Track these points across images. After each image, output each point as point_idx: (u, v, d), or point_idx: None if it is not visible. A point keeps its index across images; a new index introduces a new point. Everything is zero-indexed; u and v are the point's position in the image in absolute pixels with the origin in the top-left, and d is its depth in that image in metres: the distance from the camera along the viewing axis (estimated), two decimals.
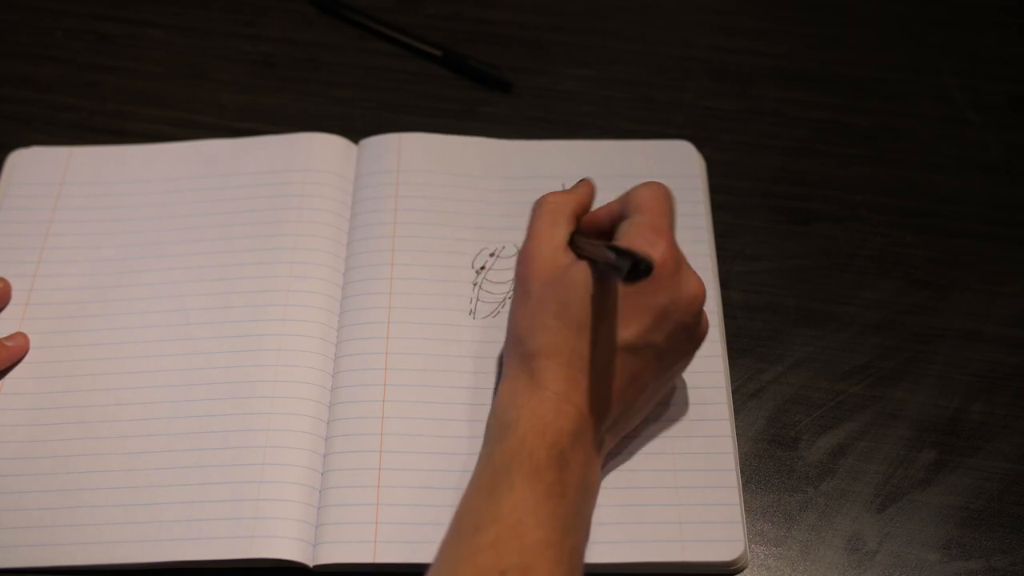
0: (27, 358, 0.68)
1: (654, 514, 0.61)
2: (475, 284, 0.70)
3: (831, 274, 0.72)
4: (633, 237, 0.58)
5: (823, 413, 0.67)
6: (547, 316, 0.58)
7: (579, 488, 0.56)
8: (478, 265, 0.71)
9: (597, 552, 0.60)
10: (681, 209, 0.73)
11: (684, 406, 0.65)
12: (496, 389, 0.61)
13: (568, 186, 0.74)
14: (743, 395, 0.67)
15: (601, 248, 0.56)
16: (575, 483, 0.55)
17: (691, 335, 0.60)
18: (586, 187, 0.63)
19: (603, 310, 0.57)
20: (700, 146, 0.76)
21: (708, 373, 0.66)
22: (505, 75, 0.82)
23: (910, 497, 0.64)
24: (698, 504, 0.62)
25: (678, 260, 0.58)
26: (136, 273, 0.71)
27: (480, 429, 0.64)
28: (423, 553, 0.60)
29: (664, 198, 0.60)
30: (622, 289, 0.57)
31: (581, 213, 0.62)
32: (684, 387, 0.66)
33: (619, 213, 0.61)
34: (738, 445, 0.65)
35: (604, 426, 0.58)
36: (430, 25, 0.85)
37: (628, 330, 0.57)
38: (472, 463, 0.61)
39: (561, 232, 0.60)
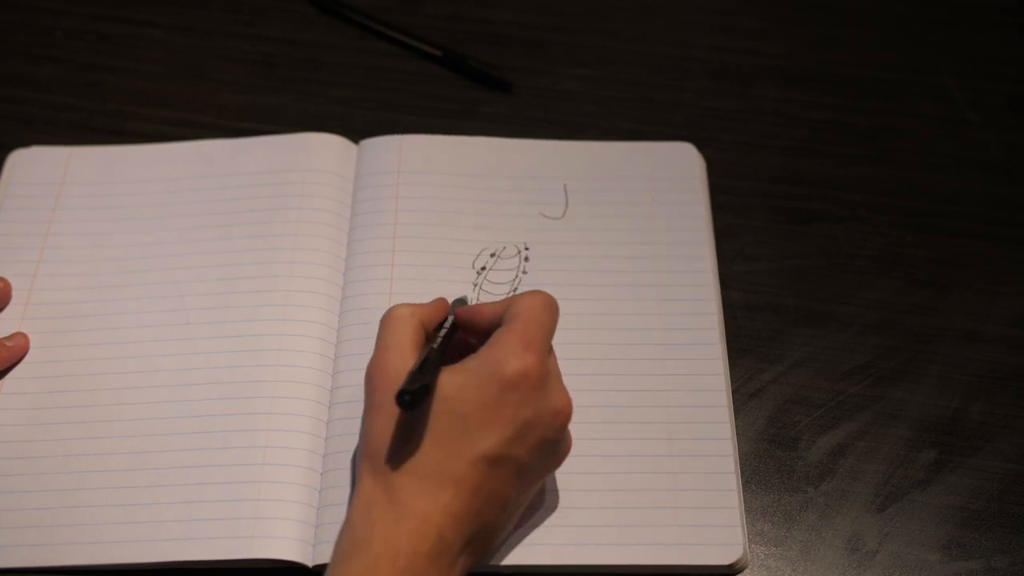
0: (27, 358, 0.68)
1: (652, 516, 0.61)
2: (476, 285, 0.70)
3: (831, 274, 0.72)
4: (500, 345, 0.56)
5: (823, 413, 0.67)
6: (400, 428, 0.55)
7: None
8: (479, 265, 0.71)
9: (595, 554, 0.60)
10: (681, 210, 0.73)
11: (683, 407, 0.65)
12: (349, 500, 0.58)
13: (569, 187, 0.74)
14: (743, 395, 0.67)
15: (422, 358, 0.55)
16: None
17: (554, 450, 0.58)
18: (439, 302, 0.62)
19: (461, 422, 0.55)
20: (700, 146, 0.76)
21: (708, 374, 0.66)
22: (505, 75, 0.82)
23: (910, 497, 0.64)
24: (697, 507, 0.61)
25: (545, 374, 0.56)
26: (136, 273, 0.71)
27: None
28: None
29: (544, 309, 0.58)
30: (482, 399, 0.54)
31: (428, 323, 0.60)
32: (684, 387, 0.65)
33: (498, 317, 0.59)
34: (738, 445, 0.65)
35: (461, 545, 0.55)
36: (430, 25, 0.85)
37: (488, 441, 0.54)
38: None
39: (409, 341, 0.58)
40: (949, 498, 0.64)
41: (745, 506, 0.63)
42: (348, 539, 0.54)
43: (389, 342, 0.58)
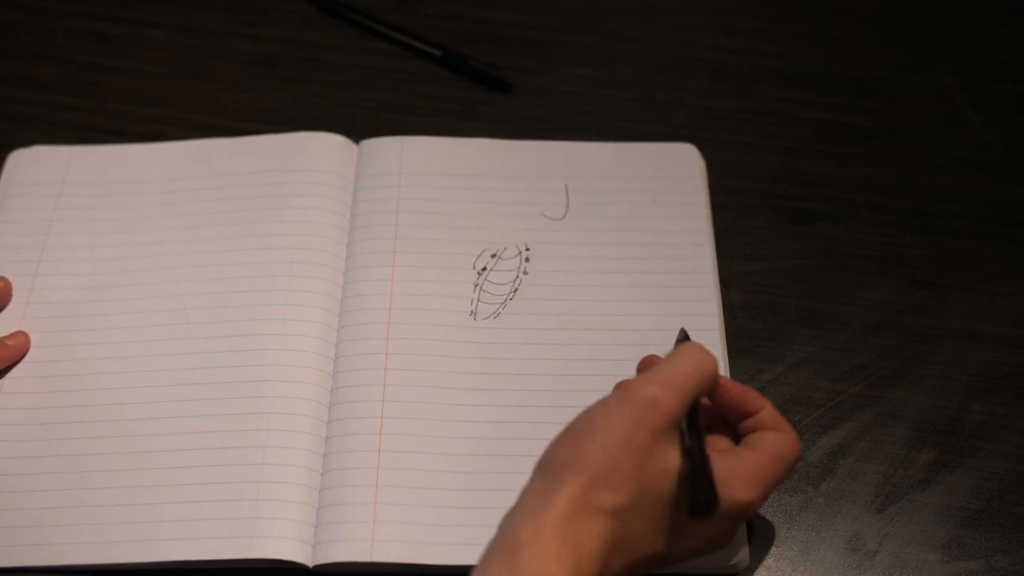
0: (27, 357, 0.68)
1: None
2: (476, 285, 0.70)
3: (831, 274, 0.72)
4: (744, 468, 0.55)
5: (823, 413, 0.67)
6: (638, 488, 0.51)
7: None
8: (479, 266, 0.71)
9: None
10: (681, 210, 0.73)
11: None
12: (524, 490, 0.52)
13: (570, 188, 0.74)
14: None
15: (685, 454, 0.53)
16: None
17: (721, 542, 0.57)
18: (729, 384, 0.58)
19: (676, 516, 0.53)
20: (700, 146, 0.76)
21: None
22: (505, 75, 0.82)
23: (910, 497, 0.64)
24: None
25: (751, 512, 0.56)
26: (136, 272, 0.71)
27: (480, 429, 0.64)
28: (422, 552, 0.60)
29: (797, 445, 0.57)
30: (684, 509, 0.52)
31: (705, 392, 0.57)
32: None
33: (754, 410, 0.58)
34: None
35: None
36: (430, 25, 0.85)
37: (686, 545, 0.54)
38: (470, 463, 0.61)
39: (689, 405, 0.54)
40: (949, 498, 0.64)
41: None
42: (513, 539, 0.50)
43: (680, 378, 0.54)
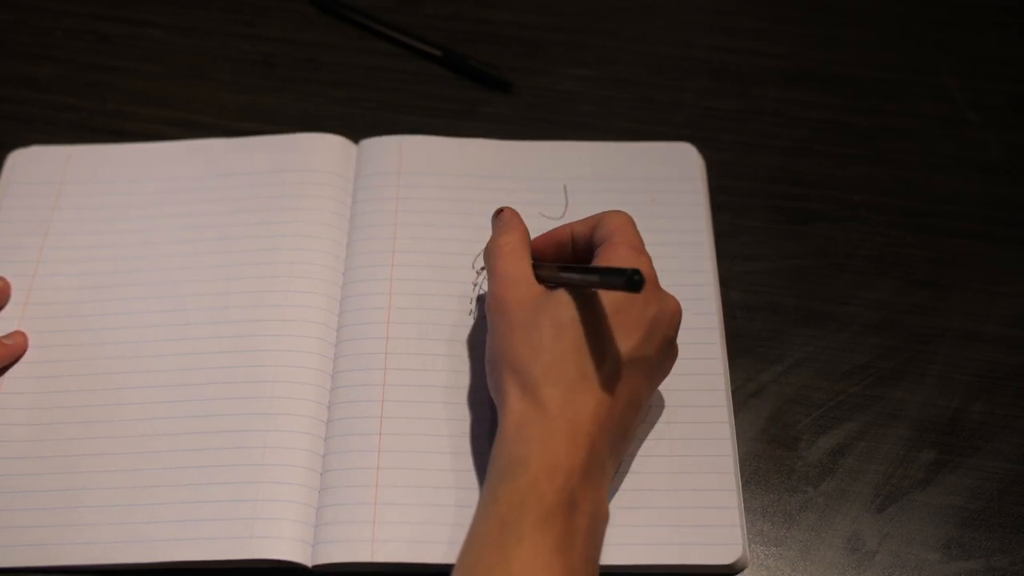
0: (26, 357, 0.68)
1: (652, 516, 0.61)
2: (475, 285, 0.70)
3: (830, 274, 0.72)
4: (612, 258, 0.59)
5: (823, 413, 0.67)
6: (544, 339, 0.57)
7: (588, 531, 0.54)
8: (479, 266, 0.71)
9: None
10: (681, 210, 0.73)
11: (683, 407, 0.65)
12: (496, 428, 0.58)
13: (569, 188, 0.74)
14: (743, 395, 0.67)
15: (578, 272, 0.58)
16: (585, 527, 0.54)
17: (671, 350, 0.61)
18: (514, 217, 0.64)
19: (597, 329, 0.57)
20: (700, 146, 0.76)
21: (708, 374, 0.66)
22: (505, 75, 0.82)
23: (910, 497, 0.64)
24: (697, 506, 0.61)
25: (656, 277, 0.60)
26: (135, 272, 0.71)
27: (478, 428, 0.64)
28: (422, 552, 0.60)
29: (632, 223, 0.62)
30: (610, 306, 0.57)
31: (530, 243, 0.64)
32: (684, 387, 0.65)
33: (584, 238, 0.62)
34: (738, 445, 0.65)
35: (608, 452, 0.57)
36: (430, 25, 0.85)
37: (624, 344, 0.57)
38: (470, 462, 0.62)
39: (526, 265, 0.61)
40: (949, 498, 0.64)
41: (745, 506, 0.63)
42: (506, 458, 0.55)
43: (509, 267, 0.61)
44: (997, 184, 0.77)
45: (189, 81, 0.83)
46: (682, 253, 0.71)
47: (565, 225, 0.64)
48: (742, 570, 0.61)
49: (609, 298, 0.58)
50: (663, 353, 0.60)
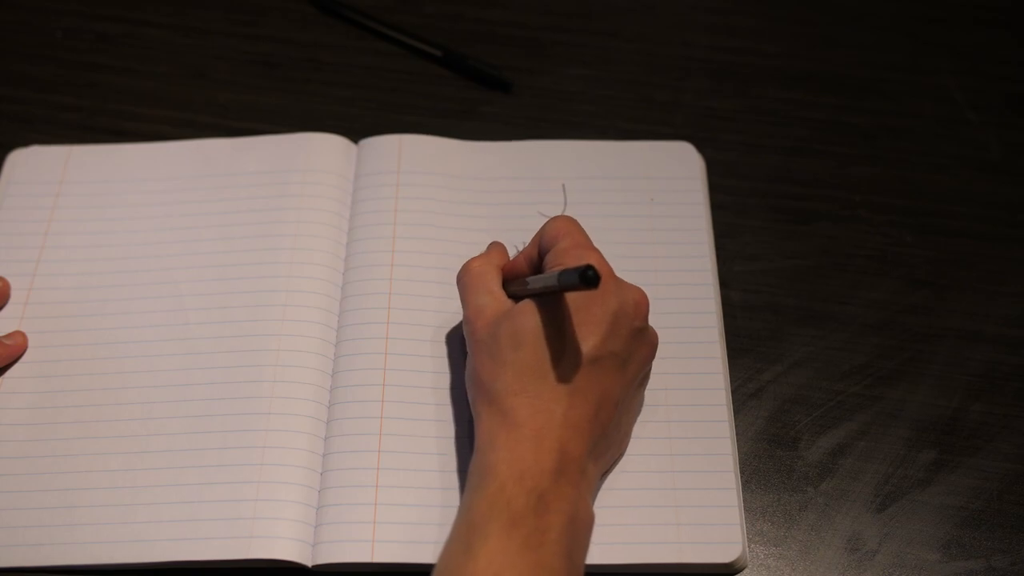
0: (26, 357, 0.68)
1: (652, 515, 0.61)
2: None
3: (831, 274, 0.72)
4: (563, 260, 0.59)
5: (823, 413, 0.67)
6: (504, 352, 0.58)
7: (565, 530, 0.54)
8: None
9: (595, 553, 0.60)
10: (681, 210, 0.73)
11: (683, 406, 0.65)
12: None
13: (568, 188, 0.74)
14: (743, 395, 0.67)
15: (538, 280, 0.58)
16: (559, 525, 0.53)
17: (644, 338, 0.60)
18: (497, 245, 0.66)
19: (557, 332, 0.57)
20: (700, 146, 0.76)
21: (708, 373, 0.66)
22: (505, 75, 0.82)
23: (910, 497, 0.64)
24: (696, 505, 0.61)
25: (611, 270, 0.60)
26: (135, 272, 0.71)
27: None
28: (421, 553, 0.60)
29: (575, 223, 0.62)
30: (571, 307, 0.57)
31: (501, 266, 0.64)
32: (684, 387, 0.65)
33: (536, 253, 0.63)
34: (738, 445, 0.65)
35: (586, 452, 0.57)
36: (430, 25, 0.85)
37: (586, 343, 0.57)
38: (468, 460, 0.61)
39: (495, 283, 0.62)
40: (949, 498, 0.64)
41: (745, 506, 0.63)
42: (477, 469, 0.57)
43: (478, 289, 0.62)
44: (997, 184, 0.77)
45: (189, 81, 0.83)
46: (682, 253, 0.71)
47: (519, 254, 0.64)
48: (742, 570, 0.61)
49: (568, 300, 0.58)
50: (633, 345, 0.59)
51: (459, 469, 0.62)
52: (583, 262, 0.57)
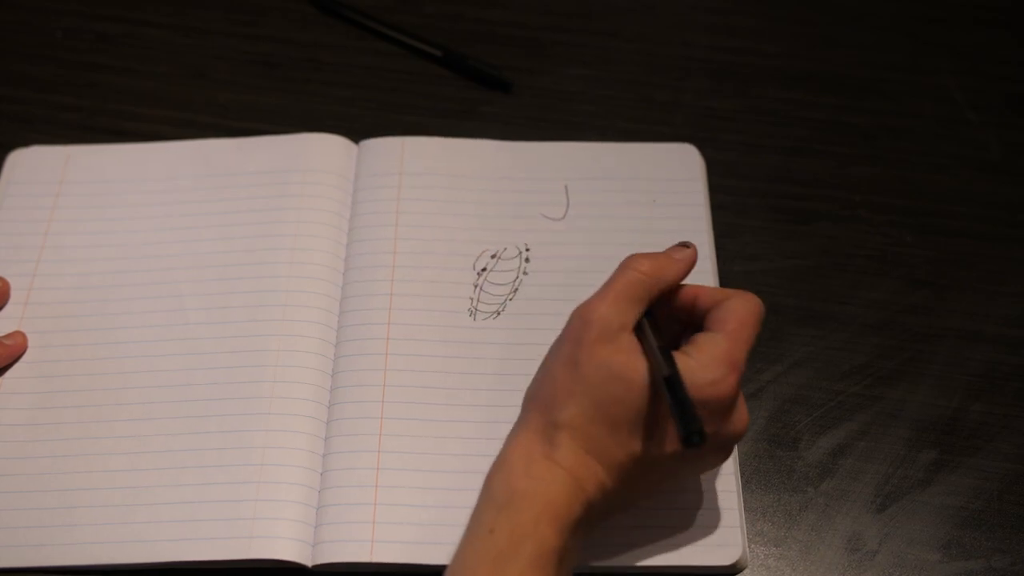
0: (26, 357, 0.68)
1: (652, 516, 0.61)
2: (476, 285, 0.70)
3: (831, 274, 0.72)
4: (705, 355, 0.54)
5: (823, 413, 0.67)
6: (588, 398, 0.54)
7: None
8: (479, 267, 0.71)
9: (594, 555, 0.60)
10: (681, 210, 0.73)
11: None
12: (508, 436, 0.56)
13: (570, 188, 0.74)
14: (743, 395, 0.67)
15: (661, 359, 0.54)
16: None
17: (718, 459, 0.58)
18: (684, 262, 0.59)
19: (648, 420, 0.54)
20: (700, 146, 0.76)
21: None
22: (505, 75, 0.82)
23: (910, 497, 0.64)
24: (697, 507, 0.61)
25: (737, 395, 0.55)
26: (135, 272, 0.71)
27: (479, 429, 0.64)
28: (421, 553, 0.60)
29: (756, 323, 0.57)
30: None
31: (665, 291, 0.58)
32: None
33: (704, 309, 0.58)
34: (738, 446, 0.65)
35: (599, 518, 0.56)
36: (430, 25, 0.85)
37: (661, 448, 0.54)
38: (469, 464, 0.61)
39: (634, 311, 0.56)
40: (949, 498, 0.64)
41: (745, 506, 0.63)
42: (506, 487, 0.53)
43: (617, 300, 0.56)
44: (997, 184, 0.77)
45: (189, 81, 0.83)
46: None
47: (693, 286, 0.59)
48: (742, 570, 0.61)
49: (687, 385, 0.53)
50: (695, 468, 0.59)
51: (459, 469, 0.62)
52: (717, 378, 0.53)
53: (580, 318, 0.56)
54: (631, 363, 0.54)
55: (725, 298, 0.57)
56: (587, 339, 0.55)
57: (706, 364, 0.54)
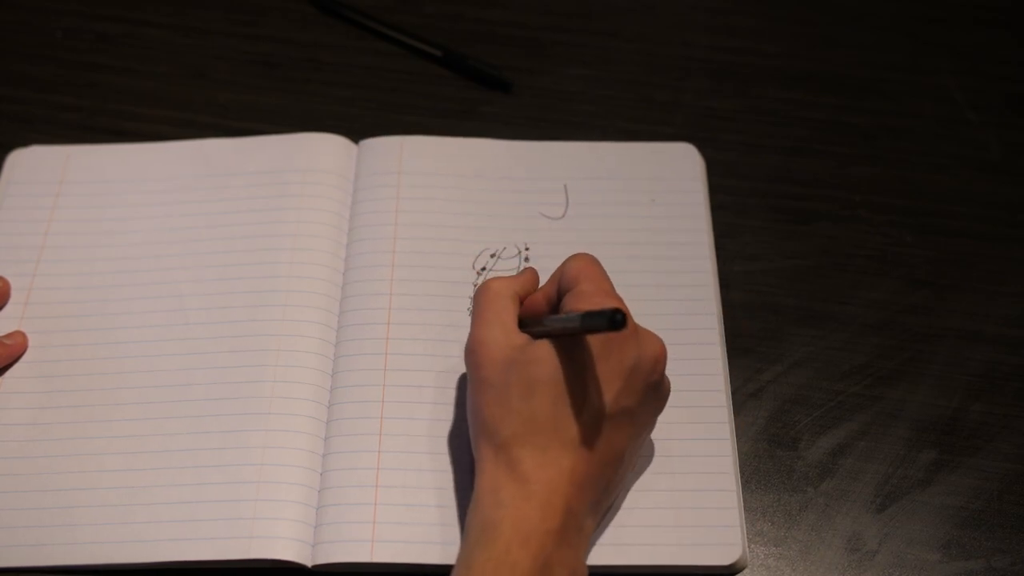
0: (26, 357, 0.68)
1: (652, 516, 0.61)
2: (476, 285, 0.70)
3: (831, 274, 0.72)
4: (584, 304, 0.56)
5: (823, 413, 0.67)
6: (514, 400, 0.55)
7: None
8: (479, 266, 0.71)
9: (594, 555, 0.60)
10: (681, 210, 0.73)
11: (684, 407, 0.65)
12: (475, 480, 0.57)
13: (569, 187, 0.74)
14: (743, 395, 0.67)
15: (558, 320, 0.56)
16: None
17: (658, 393, 0.59)
18: (529, 273, 0.62)
19: (572, 384, 0.55)
20: (700, 146, 0.76)
21: (708, 374, 0.66)
22: (505, 75, 0.82)
23: (910, 497, 0.64)
24: (696, 507, 0.61)
25: (632, 319, 0.57)
26: (135, 272, 0.71)
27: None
28: (421, 553, 0.60)
29: (596, 265, 0.60)
30: (588, 357, 0.55)
31: (524, 295, 0.61)
32: (684, 387, 0.65)
33: (555, 292, 0.60)
34: (738, 445, 0.65)
35: (586, 510, 0.56)
36: (430, 25, 0.85)
37: (602, 398, 0.55)
38: (470, 464, 0.61)
39: (509, 314, 0.59)
40: (949, 498, 0.64)
41: (745, 506, 0.63)
42: (479, 522, 0.54)
43: (489, 316, 0.59)
44: (997, 184, 0.77)
45: (189, 81, 0.83)
46: (682, 253, 0.71)
47: (537, 291, 0.62)
48: (742, 570, 0.61)
49: (584, 350, 0.55)
50: (647, 400, 0.58)
51: (459, 469, 0.62)
52: (607, 303, 0.55)
53: (469, 351, 0.59)
54: (530, 349, 0.56)
55: (560, 271, 0.60)
56: (484, 360, 0.57)
57: (586, 302, 0.56)
